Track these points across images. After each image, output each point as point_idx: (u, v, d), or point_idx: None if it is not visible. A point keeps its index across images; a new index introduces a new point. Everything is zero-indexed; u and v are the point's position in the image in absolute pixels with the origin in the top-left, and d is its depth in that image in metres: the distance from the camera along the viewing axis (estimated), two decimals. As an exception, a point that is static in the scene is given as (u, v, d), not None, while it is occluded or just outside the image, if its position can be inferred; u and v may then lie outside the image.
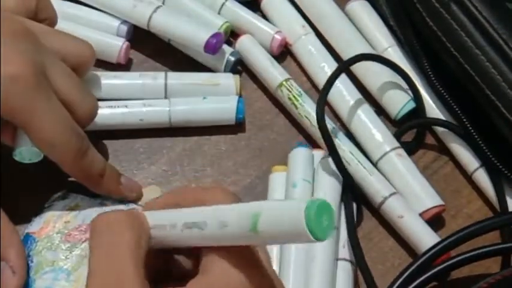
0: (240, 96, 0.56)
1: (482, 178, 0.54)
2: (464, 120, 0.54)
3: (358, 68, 0.57)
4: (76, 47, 0.50)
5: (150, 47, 0.58)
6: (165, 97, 0.55)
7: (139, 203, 0.51)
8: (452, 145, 0.55)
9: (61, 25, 0.55)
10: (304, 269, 0.49)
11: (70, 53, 0.49)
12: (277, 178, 0.53)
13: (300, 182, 0.52)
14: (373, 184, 0.52)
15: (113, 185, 0.50)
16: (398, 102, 0.56)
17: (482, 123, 0.53)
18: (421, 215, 0.52)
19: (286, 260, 0.49)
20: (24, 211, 0.50)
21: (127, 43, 0.57)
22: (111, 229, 0.37)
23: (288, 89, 0.55)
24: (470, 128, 0.54)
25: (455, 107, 0.54)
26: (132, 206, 0.51)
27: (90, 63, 0.51)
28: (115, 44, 0.57)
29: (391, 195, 0.52)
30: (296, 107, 0.55)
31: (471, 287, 0.45)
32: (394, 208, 0.52)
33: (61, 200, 0.51)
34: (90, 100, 0.49)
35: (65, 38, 0.50)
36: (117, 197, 0.51)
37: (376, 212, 0.53)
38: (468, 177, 0.55)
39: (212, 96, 0.55)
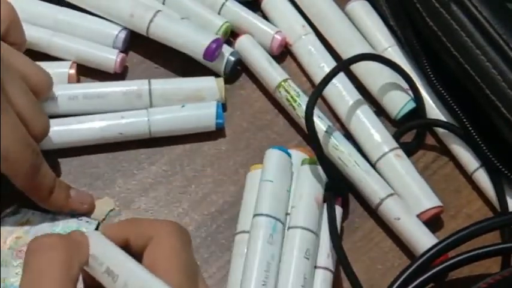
0: (223, 103, 0.56)
1: (482, 178, 0.54)
2: (464, 120, 0.54)
3: (358, 68, 0.57)
4: (36, 74, 0.51)
5: (149, 46, 0.58)
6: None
7: (92, 216, 0.52)
8: (452, 145, 0.55)
9: (54, 39, 0.56)
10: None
11: (29, 78, 0.49)
12: (254, 176, 0.52)
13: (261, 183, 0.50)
14: (370, 185, 0.52)
15: (62, 200, 0.50)
16: (398, 102, 0.56)
17: (482, 123, 0.53)
18: (419, 216, 0.52)
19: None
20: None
21: (121, 55, 0.57)
22: (43, 251, 0.38)
23: (286, 90, 0.55)
24: (470, 128, 0.53)
25: (455, 107, 0.54)
26: (84, 219, 0.51)
27: (46, 93, 0.52)
28: (110, 59, 0.56)
29: (387, 196, 0.52)
30: (294, 108, 0.55)
31: (471, 287, 0.45)
32: (390, 210, 0.51)
33: (12, 215, 0.51)
34: (43, 119, 0.50)
35: (28, 63, 0.50)
36: (67, 211, 0.51)
37: (376, 212, 0.53)
38: (468, 177, 0.55)
39: (191, 104, 0.55)
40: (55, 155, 0.54)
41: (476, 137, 0.53)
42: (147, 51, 0.59)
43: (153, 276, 0.37)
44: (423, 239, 0.51)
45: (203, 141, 0.56)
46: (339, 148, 0.53)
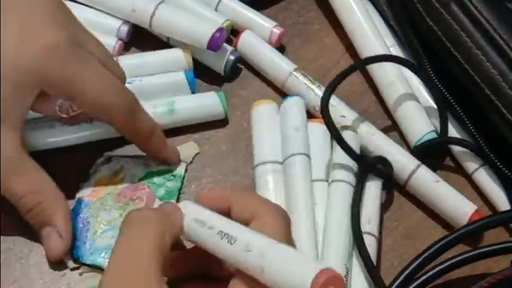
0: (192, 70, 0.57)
1: (482, 178, 0.54)
2: (465, 119, 0.54)
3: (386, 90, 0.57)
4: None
5: (149, 46, 0.58)
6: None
7: (181, 158, 0.53)
8: (452, 145, 0.55)
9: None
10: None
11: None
12: (262, 111, 0.54)
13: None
14: (402, 156, 0.53)
15: (161, 144, 0.52)
16: (419, 132, 0.55)
17: (483, 123, 0.53)
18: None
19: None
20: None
21: (120, 42, 0.57)
22: (140, 223, 0.40)
23: (303, 75, 0.56)
24: (471, 128, 0.54)
25: (456, 106, 0.54)
26: (176, 166, 0.53)
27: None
28: (108, 45, 0.56)
29: (420, 165, 0.53)
30: (313, 90, 0.55)
31: (472, 287, 0.45)
32: (427, 174, 0.52)
33: (106, 163, 0.53)
34: (120, 68, 0.51)
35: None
36: (162, 156, 0.52)
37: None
38: (468, 177, 0.55)
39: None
40: (57, 153, 0.54)
41: (477, 137, 0.53)
42: (148, 48, 0.59)
43: (272, 240, 0.37)
44: (461, 202, 0.52)
45: (203, 141, 0.56)
46: (366, 122, 0.55)
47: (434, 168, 0.54)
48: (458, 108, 0.54)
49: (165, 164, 0.53)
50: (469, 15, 0.52)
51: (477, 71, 0.51)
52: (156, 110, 0.54)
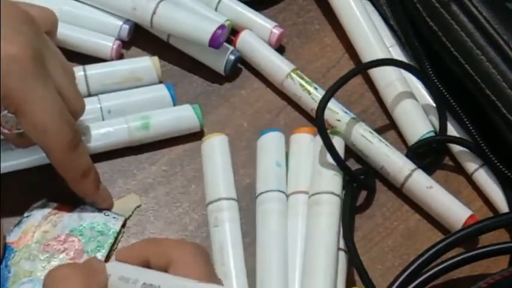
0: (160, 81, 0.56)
1: (482, 178, 0.54)
2: (465, 119, 0.54)
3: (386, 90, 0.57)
4: (43, 13, 0.52)
5: (150, 46, 0.58)
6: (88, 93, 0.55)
7: (116, 211, 0.52)
8: (452, 145, 0.55)
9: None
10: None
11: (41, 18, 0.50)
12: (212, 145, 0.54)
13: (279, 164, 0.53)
14: (398, 160, 0.53)
15: (93, 189, 0.50)
16: (418, 132, 0.55)
17: (483, 123, 0.53)
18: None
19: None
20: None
21: (118, 42, 0.57)
22: (62, 280, 0.39)
23: (299, 76, 0.56)
24: (471, 128, 0.53)
25: (456, 106, 0.54)
26: (111, 215, 0.51)
27: (57, 26, 0.53)
28: (106, 45, 0.57)
29: (415, 169, 0.53)
30: (309, 93, 0.55)
31: (471, 287, 0.45)
32: (421, 180, 0.52)
33: (40, 209, 0.51)
34: (80, 98, 0.50)
35: (33, 6, 0.51)
36: (90, 200, 0.51)
37: (377, 211, 0.53)
38: (468, 177, 0.55)
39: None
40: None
41: (477, 137, 0.53)
42: (147, 51, 0.59)
43: (192, 280, 0.37)
44: (456, 207, 0.52)
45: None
46: (362, 126, 0.54)
47: (431, 166, 0.54)
48: (458, 108, 0.54)
49: (102, 211, 0.51)
50: (469, 15, 0.52)
51: (477, 71, 0.51)
52: (131, 124, 0.53)
